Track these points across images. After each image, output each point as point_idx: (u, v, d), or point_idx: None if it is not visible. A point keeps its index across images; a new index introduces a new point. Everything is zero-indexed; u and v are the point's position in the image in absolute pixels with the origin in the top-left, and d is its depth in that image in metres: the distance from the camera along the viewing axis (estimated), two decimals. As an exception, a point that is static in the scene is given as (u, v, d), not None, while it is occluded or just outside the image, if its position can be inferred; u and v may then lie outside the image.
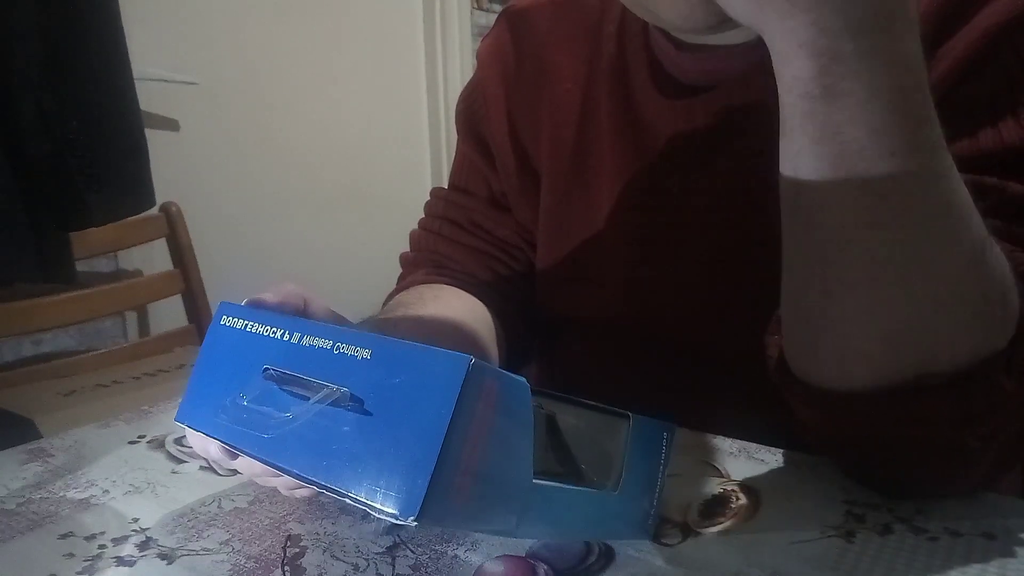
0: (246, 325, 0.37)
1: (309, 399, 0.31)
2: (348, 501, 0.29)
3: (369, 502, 0.28)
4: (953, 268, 0.36)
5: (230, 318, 0.38)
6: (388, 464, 0.28)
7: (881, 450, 0.43)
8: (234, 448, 0.35)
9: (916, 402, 0.38)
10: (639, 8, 0.49)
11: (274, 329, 0.35)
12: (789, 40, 0.34)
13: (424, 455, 0.27)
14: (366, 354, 0.31)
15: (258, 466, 0.39)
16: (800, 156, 0.36)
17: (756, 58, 0.52)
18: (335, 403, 0.30)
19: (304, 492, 0.44)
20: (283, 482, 0.42)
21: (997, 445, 0.41)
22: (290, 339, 0.34)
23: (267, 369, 0.34)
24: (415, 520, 0.26)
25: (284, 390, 0.33)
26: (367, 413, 0.29)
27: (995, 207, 0.43)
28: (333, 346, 0.32)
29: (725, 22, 0.47)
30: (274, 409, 0.33)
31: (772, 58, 0.36)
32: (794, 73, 0.34)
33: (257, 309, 0.38)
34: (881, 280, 0.37)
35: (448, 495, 0.27)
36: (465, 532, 0.42)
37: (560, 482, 0.35)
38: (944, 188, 0.36)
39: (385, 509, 0.27)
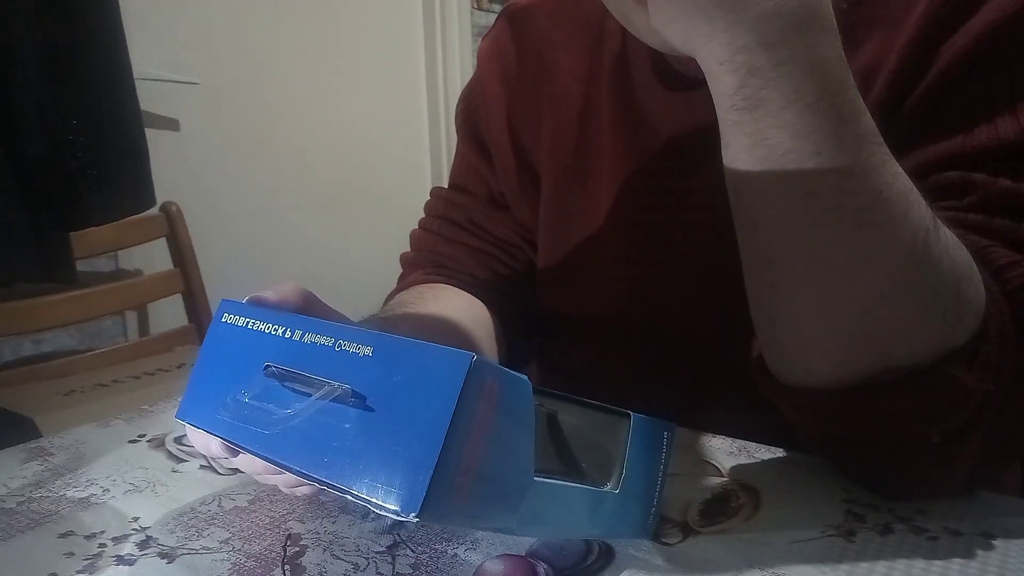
0: (247, 322, 0.37)
1: (310, 396, 0.31)
2: (349, 498, 0.29)
3: (370, 499, 0.28)
4: (893, 260, 0.37)
5: (231, 315, 0.38)
6: (389, 461, 0.28)
7: (856, 447, 0.44)
8: (235, 445, 0.35)
9: (875, 398, 0.39)
10: (626, 23, 0.49)
11: (275, 326, 0.35)
12: (712, 60, 0.37)
13: (425, 452, 0.27)
14: (368, 351, 0.31)
15: (259, 463, 0.39)
16: (736, 163, 0.38)
17: None
18: (336, 400, 0.30)
19: (305, 490, 0.44)
20: (284, 480, 0.43)
21: (977, 441, 0.41)
22: (291, 336, 0.34)
23: (268, 366, 0.34)
24: (416, 517, 0.26)
25: (285, 387, 0.33)
26: (368, 410, 0.29)
27: (981, 202, 0.44)
28: (334, 343, 0.32)
29: None
30: (275, 406, 0.33)
31: (709, 85, 0.38)
32: (720, 89, 0.37)
33: (258, 307, 0.38)
34: (824, 276, 0.38)
35: (449, 492, 0.27)
36: (465, 531, 0.42)
37: (561, 480, 0.35)
38: (876, 182, 0.37)
39: (386, 506, 0.27)
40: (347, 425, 0.30)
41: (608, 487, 0.38)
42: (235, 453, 0.38)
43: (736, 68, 0.36)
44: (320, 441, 0.30)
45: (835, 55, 0.36)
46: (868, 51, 0.49)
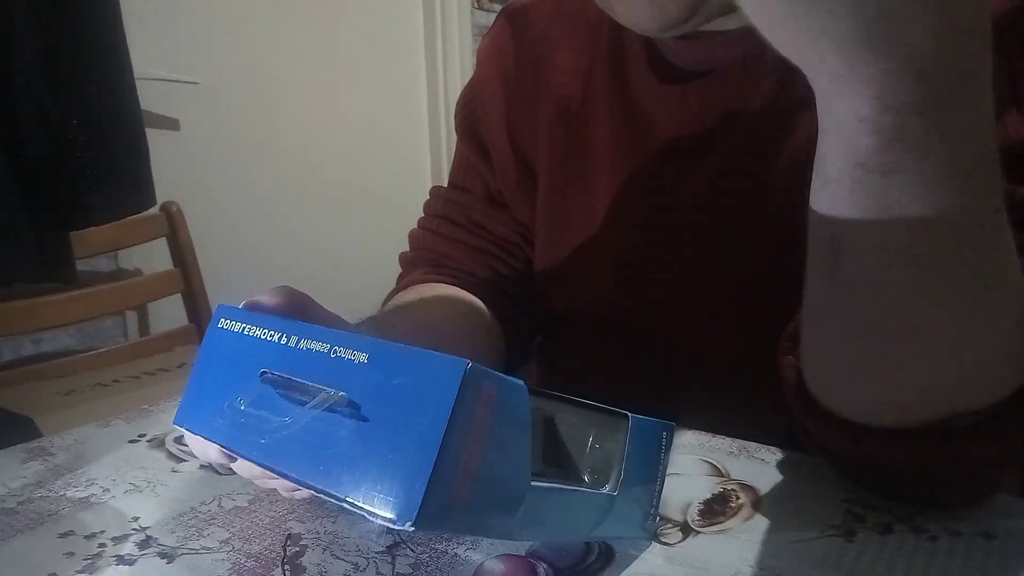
0: (243, 328, 0.37)
1: (306, 403, 0.31)
2: (345, 506, 0.29)
3: (366, 507, 0.28)
4: (1000, 330, 0.35)
5: (227, 321, 0.38)
6: (385, 469, 0.28)
7: (898, 476, 0.42)
8: (233, 452, 0.35)
9: (951, 441, 0.37)
10: (608, 10, 0.49)
11: (271, 332, 0.35)
12: (844, 108, 0.30)
13: (421, 460, 0.27)
14: (363, 358, 0.31)
15: (256, 469, 0.39)
16: (845, 220, 0.33)
17: (751, 46, 0.52)
18: (332, 407, 0.30)
19: (304, 493, 0.44)
20: (282, 484, 0.43)
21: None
22: (287, 342, 0.34)
23: (264, 373, 0.34)
24: (412, 526, 0.26)
25: (281, 394, 0.33)
26: (364, 418, 0.29)
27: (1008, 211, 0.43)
28: (330, 350, 0.32)
29: (685, 22, 0.46)
30: (271, 413, 0.33)
31: (819, 110, 0.31)
32: (848, 141, 0.30)
33: (254, 312, 0.38)
34: (925, 347, 0.35)
35: (446, 500, 0.27)
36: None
37: (559, 484, 0.35)
38: (1002, 256, 0.33)
39: (382, 514, 0.27)
40: (343, 433, 0.29)
41: (607, 489, 0.38)
42: (233, 459, 0.38)
43: (879, 129, 0.29)
44: (316, 449, 0.30)
45: (991, 113, 0.30)
46: None
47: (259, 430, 0.33)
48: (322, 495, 0.30)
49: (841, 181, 0.32)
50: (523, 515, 0.32)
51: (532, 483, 0.32)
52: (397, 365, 0.29)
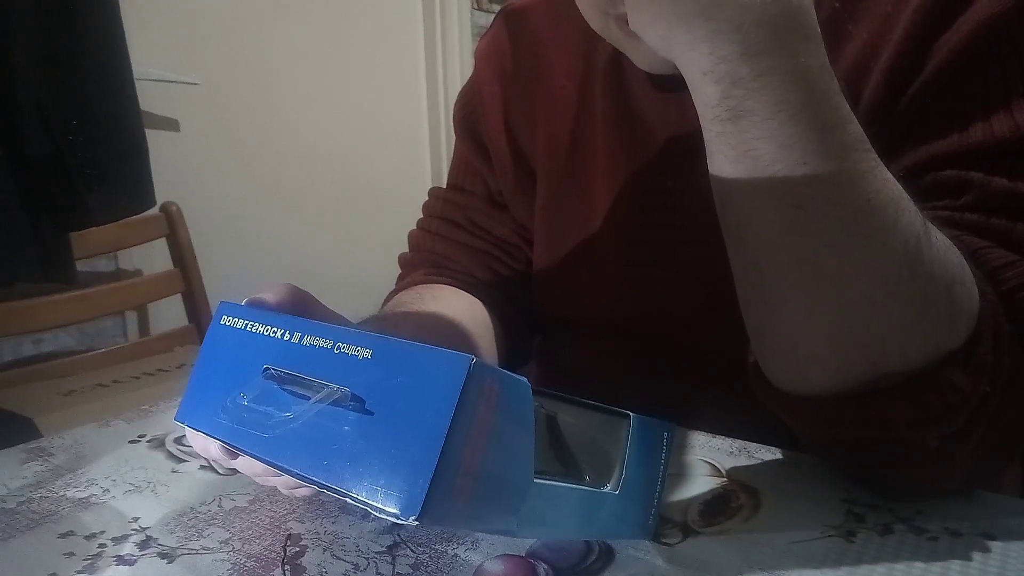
0: (246, 325, 0.37)
1: (309, 399, 0.31)
2: (349, 501, 0.29)
3: (370, 502, 0.28)
4: (884, 268, 0.37)
5: (230, 318, 0.38)
6: (389, 464, 0.28)
7: (854, 451, 0.44)
8: (234, 448, 0.35)
9: (870, 404, 0.39)
10: (616, 46, 0.50)
11: (274, 329, 0.35)
12: (694, 69, 0.36)
13: (425, 455, 0.27)
14: (367, 354, 0.31)
15: (258, 466, 0.39)
16: (721, 173, 0.38)
17: None
18: (336, 403, 0.30)
19: (304, 491, 0.44)
20: (283, 481, 0.43)
21: (974, 442, 0.41)
22: (290, 339, 0.34)
23: (267, 369, 0.34)
24: (416, 520, 0.26)
25: (284, 390, 0.33)
26: (368, 413, 0.29)
27: (977, 201, 0.43)
28: (334, 346, 0.32)
29: None
30: (274, 409, 0.33)
31: (691, 90, 0.37)
32: (703, 99, 0.37)
33: (257, 309, 0.38)
34: (814, 285, 0.38)
35: (449, 494, 0.27)
36: (465, 531, 0.42)
37: (561, 482, 0.35)
38: (864, 189, 0.36)
39: (386, 508, 0.27)
40: (346, 428, 0.30)
41: (608, 488, 0.38)
42: (234, 456, 0.38)
43: (719, 78, 0.35)
44: (319, 444, 0.30)
45: (818, 63, 0.35)
46: (860, 47, 0.49)
47: (262, 425, 0.33)
48: (325, 490, 0.30)
49: (710, 141, 0.38)
50: (525, 512, 0.32)
51: (534, 480, 0.32)
52: (401, 361, 0.29)
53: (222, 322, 0.39)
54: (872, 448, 0.43)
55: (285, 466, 0.31)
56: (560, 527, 0.37)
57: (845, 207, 0.36)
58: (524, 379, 0.30)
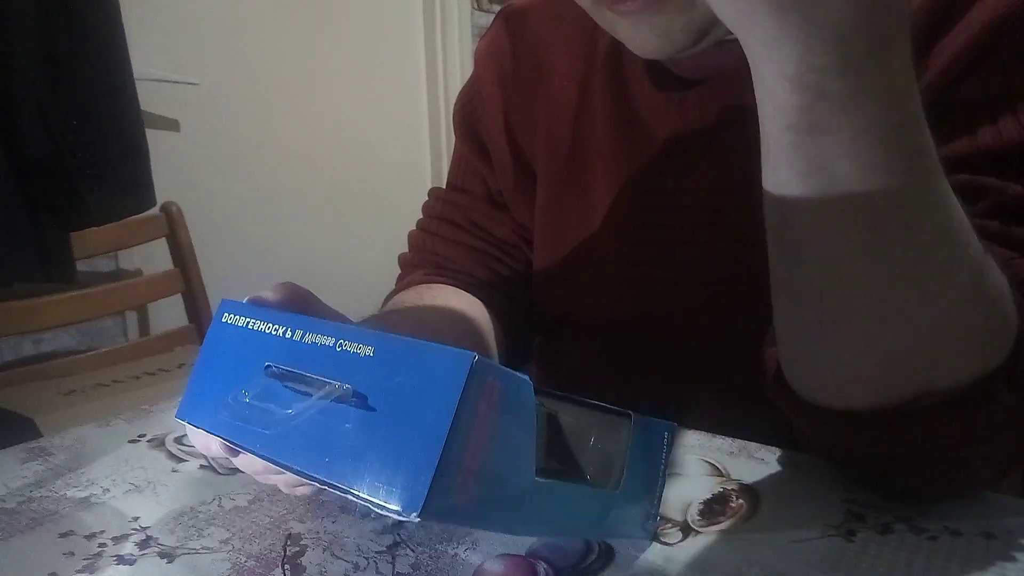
0: (248, 322, 0.37)
1: (311, 396, 0.31)
2: (350, 498, 0.29)
3: (371, 499, 0.28)
4: (952, 295, 0.36)
5: (231, 315, 0.38)
6: (391, 461, 0.28)
7: (880, 463, 0.43)
8: (235, 445, 0.35)
9: (918, 422, 0.38)
10: (610, 31, 0.50)
11: (276, 326, 0.35)
12: (772, 69, 0.32)
13: (427, 452, 0.27)
14: (369, 351, 0.31)
15: (259, 463, 0.39)
16: (786, 188, 0.35)
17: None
18: (337, 400, 0.30)
19: (305, 490, 0.44)
20: (284, 480, 0.43)
21: (1001, 455, 0.41)
22: (292, 336, 0.34)
23: (269, 366, 0.34)
24: (418, 516, 0.27)
25: (286, 387, 0.33)
26: (370, 410, 0.29)
27: (994, 208, 0.43)
28: (335, 343, 0.32)
29: (693, 46, 0.48)
30: (276, 406, 0.33)
31: (753, 78, 0.34)
32: (775, 104, 0.33)
33: (259, 307, 0.38)
34: (877, 311, 0.36)
35: (450, 492, 0.27)
36: (465, 531, 0.42)
37: (561, 480, 0.35)
38: (940, 216, 0.35)
39: (388, 506, 0.27)
40: (348, 425, 0.30)
41: (609, 487, 0.38)
42: (235, 453, 0.38)
43: (803, 88, 0.31)
44: (321, 441, 0.30)
45: (911, 80, 0.32)
46: None
47: (263, 422, 0.33)
48: (326, 488, 0.30)
49: (778, 150, 0.34)
50: (525, 510, 0.32)
51: (535, 479, 0.32)
52: (403, 359, 0.29)
53: (223, 320, 0.39)
54: (896, 462, 0.42)
55: (286, 463, 0.31)
56: (561, 525, 0.37)
57: (923, 234, 0.34)
58: (526, 377, 0.30)
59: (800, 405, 0.41)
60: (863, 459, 0.44)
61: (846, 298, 0.36)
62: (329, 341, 0.32)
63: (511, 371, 0.30)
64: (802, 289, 0.38)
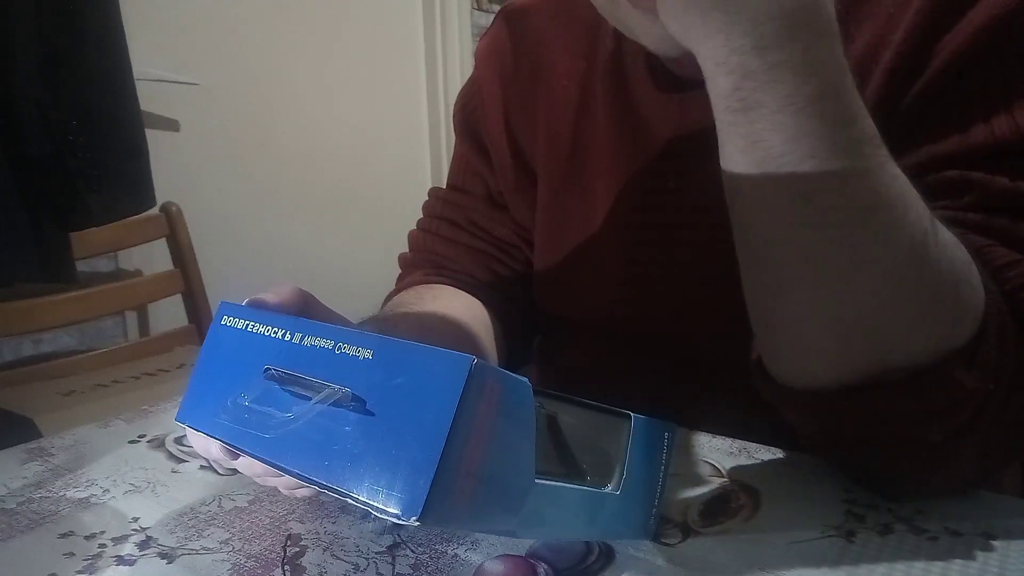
0: (247, 325, 0.37)
1: (310, 399, 0.31)
2: (349, 501, 0.29)
3: (371, 502, 0.28)
4: (891, 263, 0.37)
5: (231, 318, 0.38)
6: (390, 464, 0.28)
7: (857, 448, 0.44)
8: (235, 448, 0.35)
9: (874, 399, 0.39)
10: (621, 27, 0.50)
11: (275, 329, 0.35)
12: (708, 60, 0.37)
13: (426, 455, 0.27)
14: (368, 354, 0.31)
15: (259, 466, 0.39)
16: (731, 164, 0.38)
17: None
18: (337, 403, 0.30)
19: (305, 492, 0.44)
20: (284, 482, 0.43)
21: (977, 440, 0.41)
22: (291, 339, 0.34)
23: (268, 369, 0.34)
24: (417, 521, 0.26)
25: (285, 390, 0.33)
26: (369, 413, 0.29)
27: (980, 201, 0.44)
28: (335, 346, 0.32)
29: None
30: (275, 409, 0.33)
31: (706, 81, 0.38)
32: (716, 90, 0.37)
33: (258, 309, 0.38)
34: (820, 278, 0.38)
35: (450, 495, 0.27)
36: (466, 532, 0.42)
37: (562, 482, 0.35)
38: (873, 184, 0.37)
39: (387, 509, 0.27)
40: (347, 428, 0.30)
41: (609, 488, 0.38)
42: (235, 456, 0.38)
43: (731, 70, 0.36)
44: (320, 444, 0.30)
45: (832, 58, 0.36)
46: (862, 48, 0.49)
47: (263, 426, 0.33)
48: (326, 491, 0.30)
49: (721, 131, 0.38)
50: (526, 512, 0.32)
51: (535, 480, 0.32)
52: (402, 361, 0.29)
53: (223, 322, 0.39)
54: (874, 444, 0.43)
55: (286, 467, 0.31)
56: (561, 527, 0.37)
57: (853, 200, 0.36)
58: (525, 379, 0.30)
59: (775, 388, 0.43)
60: (843, 448, 0.46)
61: (788, 266, 0.39)
62: (328, 344, 0.32)
63: (510, 373, 0.30)
64: (752, 261, 0.41)
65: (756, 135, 0.36)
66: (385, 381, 0.29)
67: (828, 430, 0.44)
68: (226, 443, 0.35)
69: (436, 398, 0.27)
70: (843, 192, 0.36)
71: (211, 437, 0.37)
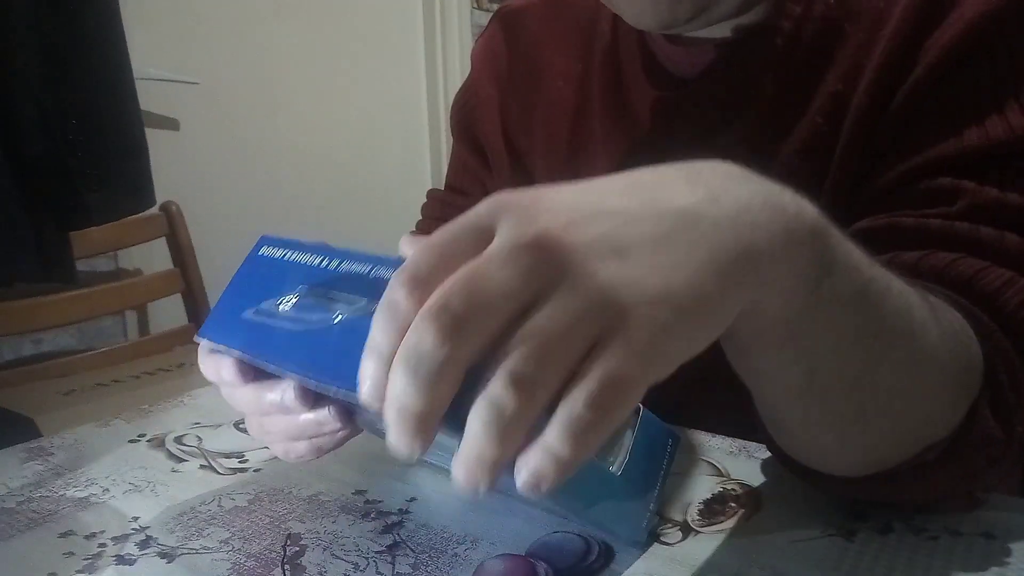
0: (285, 254, 0.37)
1: (337, 311, 0.31)
2: (367, 416, 0.29)
3: None
4: (929, 398, 0.37)
5: (270, 248, 0.38)
6: None
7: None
8: (251, 358, 0.34)
9: (914, 479, 0.39)
10: (609, 4, 0.50)
11: (314, 256, 0.35)
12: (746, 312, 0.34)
13: None
14: None
15: (262, 401, 0.37)
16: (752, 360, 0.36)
17: (735, 54, 0.53)
18: (364, 315, 0.30)
19: (302, 447, 0.41)
20: (283, 428, 0.39)
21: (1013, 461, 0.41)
22: (328, 265, 0.34)
23: (301, 287, 0.34)
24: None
25: (314, 303, 0.33)
26: None
27: (968, 209, 0.43)
28: (371, 270, 0.32)
29: (689, 21, 0.48)
30: (305, 316, 0.33)
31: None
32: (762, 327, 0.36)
33: (299, 240, 0.38)
34: (855, 430, 0.37)
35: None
36: (465, 530, 0.42)
37: None
38: (911, 353, 0.35)
39: None
40: None
41: (611, 466, 0.37)
42: (246, 380, 0.37)
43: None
44: (343, 354, 0.30)
45: (818, 265, 0.33)
46: (853, 45, 0.49)
47: (288, 334, 0.33)
48: (341, 400, 0.29)
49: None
50: None
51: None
52: None
53: (261, 253, 0.39)
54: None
55: (308, 376, 0.31)
56: (559, 495, 0.36)
57: (892, 387, 0.36)
58: None
59: (806, 472, 0.42)
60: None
61: (806, 424, 0.38)
62: (364, 268, 0.33)
63: None
64: (764, 406, 0.39)
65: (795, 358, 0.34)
66: None
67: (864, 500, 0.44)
68: (244, 354, 0.35)
69: None
70: (885, 382, 0.35)
71: (230, 350, 0.36)
